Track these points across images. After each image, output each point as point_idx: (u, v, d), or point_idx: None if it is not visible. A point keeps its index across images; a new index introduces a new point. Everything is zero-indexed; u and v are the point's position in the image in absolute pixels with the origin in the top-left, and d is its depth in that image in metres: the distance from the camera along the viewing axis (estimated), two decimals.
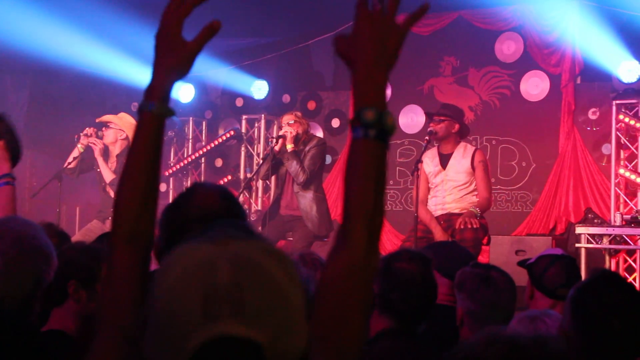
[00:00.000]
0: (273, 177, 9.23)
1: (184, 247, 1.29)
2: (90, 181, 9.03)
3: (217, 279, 1.20)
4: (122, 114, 8.93)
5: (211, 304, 1.19)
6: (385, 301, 3.12)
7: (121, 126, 8.68)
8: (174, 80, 1.72)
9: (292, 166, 8.04)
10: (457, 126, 7.75)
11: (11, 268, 2.24)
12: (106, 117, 8.83)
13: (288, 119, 8.28)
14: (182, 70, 1.72)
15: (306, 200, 8.11)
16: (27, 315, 2.27)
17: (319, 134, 11.08)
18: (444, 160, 7.78)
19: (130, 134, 8.65)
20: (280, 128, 8.44)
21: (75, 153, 8.72)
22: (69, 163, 8.74)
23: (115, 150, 8.71)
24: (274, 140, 8.43)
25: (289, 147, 8.10)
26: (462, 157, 7.72)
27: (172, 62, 1.70)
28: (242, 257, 1.25)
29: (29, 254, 2.28)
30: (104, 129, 8.73)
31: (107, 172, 8.58)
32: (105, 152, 8.76)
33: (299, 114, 8.48)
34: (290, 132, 8.11)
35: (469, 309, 3.51)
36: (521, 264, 4.11)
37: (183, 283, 1.22)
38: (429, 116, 7.86)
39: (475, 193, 7.68)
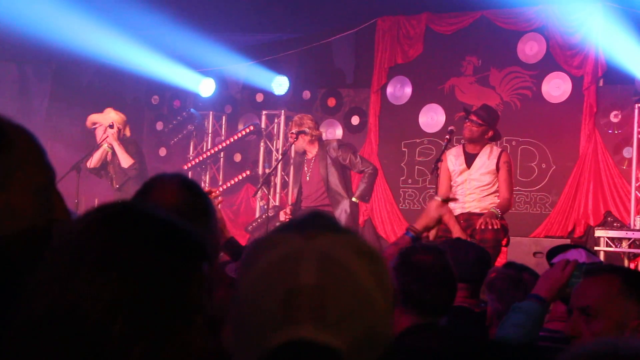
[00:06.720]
0: (291, 173, 9.23)
1: (273, 235, 1.22)
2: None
3: (300, 279, 1.15)
4: (107, 110, 8.98)
5: (293, 305, 1.14)
6: (406, 295, 3.09)
7: (104, 123, 8.72)
8: None
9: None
10: (491, 133, 7.67)
11: None
12: (93, 117, 8.91)
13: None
14: None
15: (343, 205, 8.27)
16: None
17: (339, 131, 11.07)
18: (470, 160, 7.69)
19: (118, 124, 8.67)
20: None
21: (99, 153, 8.76)
22: (92, 162, 8.79)
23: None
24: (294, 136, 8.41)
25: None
26: (487, 158, 7.64)
27: None
28: (330, 255, 1.17)
29: None
30: (95, 130, 8.83)
31: (125, 157, 8.61)
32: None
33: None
34: None
35: (498, 310, 3.49)
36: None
37: (267, 278, 1.17)
38: (467, 113, 7.75)
39: (497, 194, 7.61)
